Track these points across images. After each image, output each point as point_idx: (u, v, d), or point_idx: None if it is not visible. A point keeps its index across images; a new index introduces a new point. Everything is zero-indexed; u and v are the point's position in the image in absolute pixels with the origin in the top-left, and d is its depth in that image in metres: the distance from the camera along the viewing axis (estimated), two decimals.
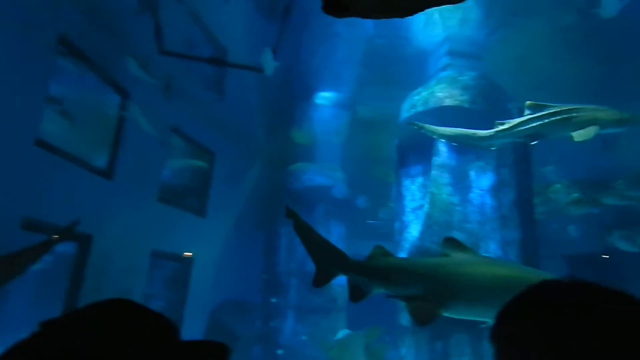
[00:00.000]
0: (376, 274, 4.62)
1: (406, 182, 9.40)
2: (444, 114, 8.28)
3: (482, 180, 8.40)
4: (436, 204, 8.27)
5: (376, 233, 13.43)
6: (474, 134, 7.05)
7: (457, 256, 4.64)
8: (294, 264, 12.54)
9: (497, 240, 8.07)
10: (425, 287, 4.34)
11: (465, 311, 4.43)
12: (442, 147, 8.61)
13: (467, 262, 4.52)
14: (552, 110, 6.32)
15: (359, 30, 9.82)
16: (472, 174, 8.51)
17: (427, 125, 7.49)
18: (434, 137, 7.71)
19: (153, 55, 7.34)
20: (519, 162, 8.49)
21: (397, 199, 9.60)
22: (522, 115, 6.75)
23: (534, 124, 6.47)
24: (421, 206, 8.80)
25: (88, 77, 6.59)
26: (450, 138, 7.50)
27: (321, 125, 12.11)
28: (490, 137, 6.98)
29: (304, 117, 12.02)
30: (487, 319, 4.34)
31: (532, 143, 6.61)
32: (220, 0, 9.03)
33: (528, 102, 6.52)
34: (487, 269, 4.44)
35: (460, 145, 7.62)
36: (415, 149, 9.11)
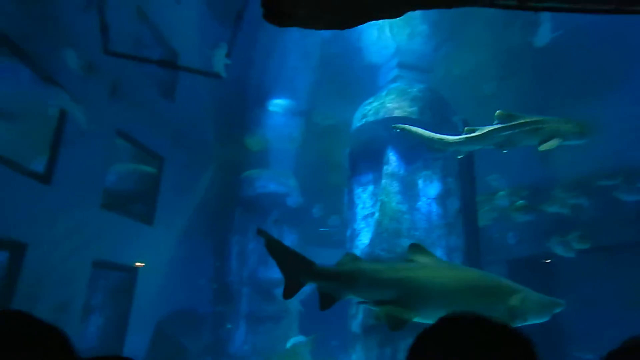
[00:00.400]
0: (347, 280, 4.66)
1: (358, 190, 9.55)
2: (392, 124, 8.51)
3: (429, 189, 8.69)
4: (386, 212, 8.45)
5: (329, 240, 13.52)
6: (442, 139, 7.13)
7: (423, 262, 4.82)
8: (245, 272, 12.36)
9: (443, 247, 8.36)
10: (396, 292, 4.45)
11: (433, 315, 4.21)
12: (392, 156, 8.84)
13: (433, 267, 4.73)
14: (520, 121, 6.53)
15: (313, 39, 9.94)
16: (420, 182, 8.78)
17: (404, 126, 7.40)
18: (409, 136, 7.49)
19: (99, 55, 7.05)
20: (463, 171, 8.88)
21: (348, 207, 9.73)
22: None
23: (504, 133, 6.62)
24: (372, 214, 8.97)
25: (24, 73, 6.21)
26: (421, 139, 7.42)
27: (275, 132, 12.10)
28: (460, 143, 7.06)
29: (258, 123, 11.96)
30: None
31: (504, 151, 6.73)
32: (172, 1, 8.85)
33: (498, 112, 6.68)
34: (452, 274, 4.69)
35: (429, 148, 7.56)
36: (366, 158, 9.30)
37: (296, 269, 4.75)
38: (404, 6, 1.44)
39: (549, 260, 9.70)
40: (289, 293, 4.76)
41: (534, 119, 6.47)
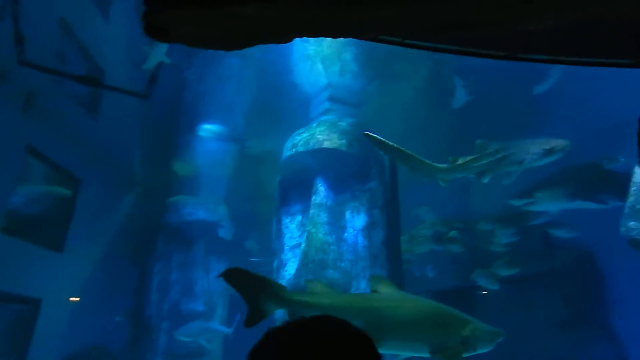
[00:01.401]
0: (318, 308, 4.70)
1: (286, 220, 9.49)
2: (322, 156, 8.67)
3: (356, 221, 8.84)
4: (313, 242, 8.45)
5: (259, 271, 13.15)
6: (431, 165, 6.99)
7: (385, 292, 4.99)
8: (166, 305, 11.63)
9: (367, 278, 8.45)
10: (364, 323, 4.43)
11: (396, 346, 4.71)
12: (321, 187, 8.94)
13: (396, 298, 4.89)
14: (496, 149, 6.64)
15: (250, 68, 10.00)
16: (348, 214, 8.92)
17: (391, 143, 7.06)
18: (391, 156, 7.39)
19: (13, 64, 6.57)
20: (389, 204, 9.16)
21: (276, 237, 9.62)
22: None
23: (483, 162, 6.70)
24: (299, 244, 8.92)
25: None
26: (405, 161, 7.19)
27: (206, 158, 11.81)
28: (447, 171, 7.00)
29: (188, 148, 11.64)
30: (415, 353, 4.76)
31: (484, 180, 6.75)
32: (100, 19, 8.54)
33: (478, 141, 6.76)
34: (412, 305, 4.88)
35: (412, 172, 7.26)
36: (296, 188, 9.32)
37: (263, 295, 4.68)
38: (290, 33, 1.48)
39: (485, 292, 10.08)
40: (251, 321, 4.67)
41: (505, 145, 6.64)
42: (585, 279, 9.45)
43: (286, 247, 9.37)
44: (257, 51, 9.29)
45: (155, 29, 1.33)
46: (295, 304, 4.74)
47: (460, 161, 6.84)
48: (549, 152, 6.36)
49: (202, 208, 11.75)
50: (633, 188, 4.22)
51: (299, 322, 1.15)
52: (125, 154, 10.16)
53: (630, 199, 4.20)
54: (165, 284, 11.67)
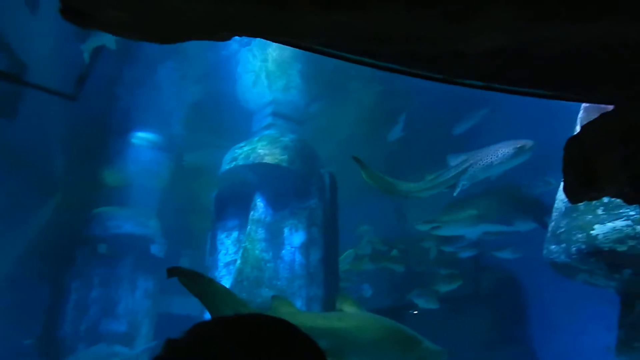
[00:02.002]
0: None
1: (221, 236, 9.17)
2: (263, 171, 8.52)
3: (294, 238, 8.72)
4: (248, 259, 8.21)
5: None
6: (408, 186, 7.09)
7: (350, 312, 5.19)
8: (84, 325, 10.68)
9: (303, 297, 8.32)
10: (329, 342, 4.59)
11: None
12: (259, 203, 8.75)
13: (360, 317, 5.09)
14: (464, 159, 6.65)
15: (191, 77, 9.67)
16: (286, 231, 8.79)
17: (371, 170, 6.94)
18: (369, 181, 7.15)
19: None
20: (328, 222, 9.15)
21: (210, 253, 9.24)
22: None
23: (451, 174, 6.73)
24: (234, 261, 8.63)
25: None
26: (382, 185, 7.13)
27: (138, 168, 11.15)
28: (420, 190, 7.03)
29: (119, 157, 10.93)
30: None
31: (455, 193, 6.72)
32: (26, 11, 7.87)
33: (449, 155, 6.79)
34: (375, 324, 5.07)
35: (389, 194, 7.31)
36: (234, 202, 9.05)
37: (228, 311, 4.47)
38: (219, 30, 1.39)
39: (416, 312, 10.20)
40: None
41: (472, 153, 6.66)
42: (511, 300, 10.00)
43: (220, 264, 9.03)
44: (200, 60, 9.02)
45: (74, 12, 1.16)
46: None
47: (429, 178, 7.01)
48: (520, 150, 6.35)
49: (131, 221, 11.00)
50: (555, 214, 4.51)
51: (231, 318, 1.05)
52: (46, 158, 9.32)
53: (552, 223, 4.49)
54: (83, 303, 10.73)
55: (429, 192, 6.94)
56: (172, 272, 4.26)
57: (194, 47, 8.73)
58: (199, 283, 4.46)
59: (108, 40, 6.62)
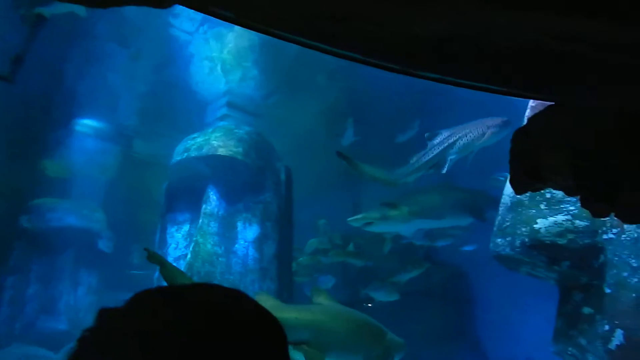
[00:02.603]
0: None
1: (172, 229, 8.87)
2: (216, 163, 8.31)
3: (248, 232, 8.59)
4: (200, 254, 7.99)
5: (136, 284, 12.07)
6: (390, 174, 7.09)
7: (327, 305, 5.44)
8: (19, 323, 10.01)
9: (255, 291, 8.20)
10: (312, 333, 4.86)
11: (338, 356, 5.06)
12: (212, 195, 8.53)
13: (337, 312, 5.37)
14: (444, 137, 6.65)
15: (143, 64, 9.24)
16: (240, 224, 8.63)
17: (357, 163, 6.97)
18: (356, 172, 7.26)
19: None
20: (283, 216, 9.06)
21: (159, 247, 8.90)
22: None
23: (436, 152, 6.72)
24: (185, 256, 8.38)
25: None
26: (372, 177, 7.20)
27: (83, 158, 10.54)
28: (406, 174, 7.01)
29: (62, 145, 10.28)
30: None
31: (443, 171, 6.71)
32: None
33: (427, 134, 6.75)
34: (350, 317, 5.39)
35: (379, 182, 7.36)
36: (185, 195, 8.77)
37: None
38: None
39: (370, 305, 10.22)
40: None
41: (452, 130, 6.66)
42: (460, 294, 10.34)
43: (170, 258, 8.71)
44: (152, 45, 8.64)
45: None
46: None
47: (414, 159, 7.01)
48: (506, 123, 6.40)
49: (72, 213, 10.38)
50: (501, 208, 4.69)
51: (177, 287, 0.95)
52: None
53: (499, 217, 4.66)
54: (19, 299, 10.05)
55: (415, 175, 6.99)
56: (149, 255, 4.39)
57: (147, 32, 8.35)
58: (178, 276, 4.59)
59: (77, 8, 6.02)
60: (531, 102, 4.43)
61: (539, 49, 1.85)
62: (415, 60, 2.13)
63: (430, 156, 6.82)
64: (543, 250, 4.26)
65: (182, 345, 0.79)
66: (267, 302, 5.12)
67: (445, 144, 6.68)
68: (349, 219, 7.26)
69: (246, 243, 8.51)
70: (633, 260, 3.91)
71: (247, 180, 8.50)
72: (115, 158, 10.86)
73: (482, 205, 7.49)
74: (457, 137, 6.60)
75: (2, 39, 6.67)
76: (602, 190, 2.01)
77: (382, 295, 8.93)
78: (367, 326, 5.38)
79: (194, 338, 0.80)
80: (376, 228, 7.46)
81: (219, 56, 8.94)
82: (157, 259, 4.26)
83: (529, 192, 2.62)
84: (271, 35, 1.91)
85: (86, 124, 10.19)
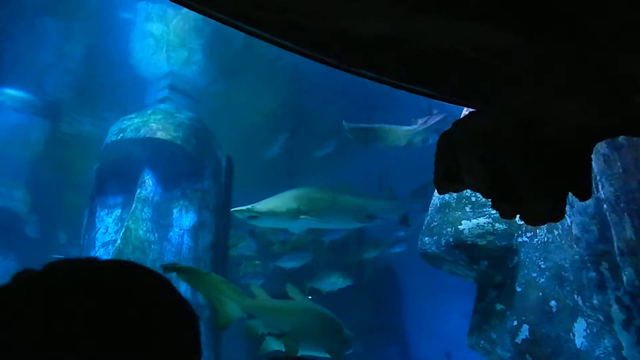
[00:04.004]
0: (265, 313, 5.67)
1: (102, 213, 8.42)
2: (154, 147, 7.99)
3: (184, 220, 8.35)
4: (130, 239, 7.66)
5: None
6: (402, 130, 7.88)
7: (300, 301, 6.19)
8: None
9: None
10: (291, 326, 5.47)
11: (308, 347, 5.67)
12: (148, 180, 8.20)
13: (308, 305, 6.24)
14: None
15: (77, 32, 8.63)
16: (176, 212, 8.38)
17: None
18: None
19: None
20: (222, 206, 8.90)
21: (87, 231, 8.44)
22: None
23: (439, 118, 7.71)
24: (114, 241, 8.00)
25: None
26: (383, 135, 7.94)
27: (5, 131, 9.70)
28: (414, 133, 7.86)
29: None
30: (318, 353, 5.91)
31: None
32: None
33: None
34: (317, 311, 6.17)
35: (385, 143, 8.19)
36: (117, 178, 8.34)
37: (225, 299, 5.31)
38: None
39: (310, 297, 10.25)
40: (223, 326, 5.55)
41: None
42: (386, 290, 10.75)
43: (98, 243, 8.31)
44: (91, 17, 8.11)
45: None
46: (254, 309, 5.58)
47: (420, 121, 7.88)
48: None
49: None
50: (431, 208, 4.92)
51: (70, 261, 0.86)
52: None
53: (428, 217, 4.89)
54: None
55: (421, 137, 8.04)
56: (169, 269, 5.03)
57: (85, 2, 7.84)
58: (196, 276, 5.47)
59: None
60: (465, 109, 4.68)
61: (459, 55, 1.96)
62: (347, 56, 2.17)
63: (434, 120, 7.80)
64: (464, 249, 4.53)
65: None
66: (259, 295, 5.82)
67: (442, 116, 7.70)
68: (233, 209, 6.97)
69: (181, 231, 8.28)
70: (542, 262, 4.26)
71: (185, 166, 8.25)
72: (41, 134, 10.10)
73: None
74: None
75: None
76: (508, 192, 2.17)
77: (331, 285, 8.79)
78: (331, 321, 6.06)
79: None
80: (260, 222, 7.20)
81: (164, 36, 8.58)
82: (176, 269, 5.08)
83: (451, 192, 2.77)
84: (206, 15, 1.87)
85: (9, 94, 9.36)
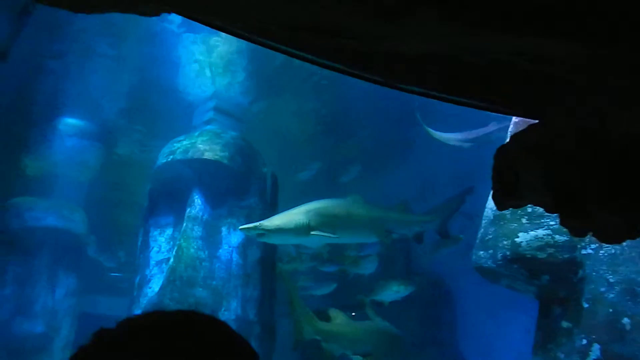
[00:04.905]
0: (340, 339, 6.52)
1: (154, 233, 8.74)
2: (202, 167, 8.23)
3: (232, 237, 8.51)
4: (182, 258, 7.89)
5: (115, 287, 11.86)
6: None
7: (377, 322, 7.40)
8: None
9: (238, 297, 8.13)
10: (372, 347, 6.25)
11: None
12: (197, 199, 8.44)
13: (384, 328, 7.45)
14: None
15: (127, 61, 9.13)
16: (224, 229, 8.56)
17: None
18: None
19: None
20: None
21: (141, 250, 8.77)
22: None
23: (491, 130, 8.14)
24: (167, 259, 8.26)
25: None
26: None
27: (64, 157, 10.33)
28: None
29: (43, 144, 10.07)
30: None
31: None
32: None
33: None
34: (392, 332, 7.59)
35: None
36: (169, 198, 8.66)
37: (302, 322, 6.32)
38: (147, 3, 1.27)
39: (354, 314, 10.13)
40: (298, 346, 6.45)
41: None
42: (438, 303, 10.37)
43: (152, 262, 8.61)
44: (139, 45, 8.53)
45: None
46: (327, 334, 6.41)
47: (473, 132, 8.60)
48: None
49: (52, 212, 10.15)
50: (484, 221, 4.72)
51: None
52: None
53: (481, 230, 4.70)
54: None
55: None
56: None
57: (133, 30, 8.26)
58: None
59: None
60: (514, 118, 4.49)
61: (512, 67, 1.87)
62: (395, 74, 2.13)
63: (484, 132, 8.16)
64: (523, 263, 4.30)
65: None
66: (338, 318, 6.62)
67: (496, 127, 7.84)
68: (241, 227, 6.81)
69: (230, 248, 8.43)
70: (610, 276, 3.96)
71: (232, 185, 8.44)
72: (97, 158, 10.67)
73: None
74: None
75: None
76: (578, 209, 2.03)
77: (394, 294, 8.25)
78: (402, 341, 7.17)
79: None
80: (270, 240, 6.97)
81: (207, 58, 8.89)
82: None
83: (511, 208, 2.64)
84: (255, 43, 1.91)
85: (68, 122, 9.99)
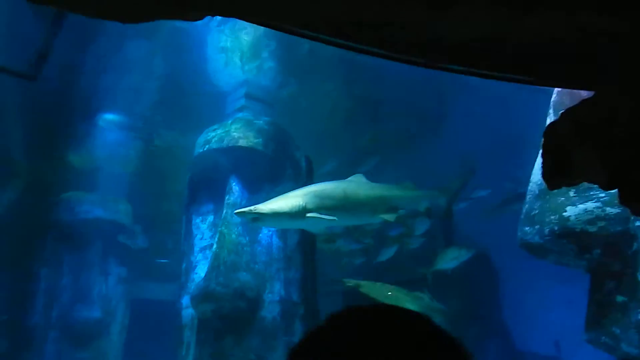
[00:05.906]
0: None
1: (197, 220, 9.01)
2: (237, 154, 8.36)
3: None
4: (225, 244, 8.11)
5: (163, 273, 12.37)
6: None
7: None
8: (55, 312, 10.42)
9: (281, 280, 8.32)
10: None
11: None
12: (235, 186, 8.60)
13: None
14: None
15: (160, 57, 9.29)
16: None
17: None
18: None
19: None
20: None
21: (185, 238, 9.09)
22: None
23: None
24: (210, 246, 8.53)
25: None
26: None
27: (106, 151, 10.76)
28: None
29: (86, 139, 10.50)
30: None
31: None
32: None
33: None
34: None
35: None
36: (208, 186, 8.87)
37: None
38: (192, 10, 1.28)
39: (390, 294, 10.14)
40: None
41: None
42: (480, 277, 10.24)
43: (196, 249, 8.91)
44: (169, 38, 8.65)
45: None
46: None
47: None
48: None
49: (100, 205, 10.65)
50: (529, 196, 4.59)
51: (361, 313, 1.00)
52: (3, 141, 8.87)
53: (526, 205, 4.57)
54: (54, 290, 10.45)
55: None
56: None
57: (163, 24, 8.36)
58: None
59: None
60: (557, 89, 4.28)
61: (567, 43, 1.79)
62: (439, 56, 2.08)
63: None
64: (573, 238, 4.17)
65: None
66: (423, 300, 7.02)
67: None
68: (236, 211, 6.66)
69: (270, 232, 8.59)
70: None
71: (267, 170, 8.54)
72: (137, 150, 11.04)
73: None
74: None
75: (23, 35, 6.77)
76: (633, 187, 1.94)
77: (455, 260, 8.30)
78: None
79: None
80: (265, 224, 6.89)
81: (236, 46, 8.91)
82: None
83: (564, 186, 2.55)
84: (299, 36, 1.91)
85: (107, 117, 10.35)
